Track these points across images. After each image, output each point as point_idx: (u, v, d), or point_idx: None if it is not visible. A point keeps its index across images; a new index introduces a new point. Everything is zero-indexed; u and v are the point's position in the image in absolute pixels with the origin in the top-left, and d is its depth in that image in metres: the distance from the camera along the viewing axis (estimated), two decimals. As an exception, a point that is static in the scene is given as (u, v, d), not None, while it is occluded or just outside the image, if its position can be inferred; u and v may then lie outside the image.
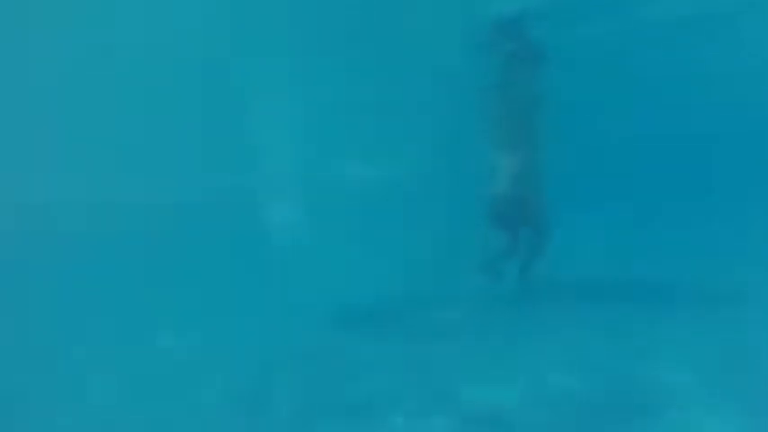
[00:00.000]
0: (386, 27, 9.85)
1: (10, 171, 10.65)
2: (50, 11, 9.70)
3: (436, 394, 3.79)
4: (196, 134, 10.99)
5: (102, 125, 10.91)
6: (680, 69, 11.03)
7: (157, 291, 7.69)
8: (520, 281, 6.51)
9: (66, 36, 10.15)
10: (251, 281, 8.05)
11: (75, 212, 10.10)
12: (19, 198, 10.44)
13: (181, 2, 9.09)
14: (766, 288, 5.57)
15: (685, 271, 6.61)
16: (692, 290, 5.79)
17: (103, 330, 5.98)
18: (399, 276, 7.64)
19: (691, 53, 10.67)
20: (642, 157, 11.98)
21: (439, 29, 9.85)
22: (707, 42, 10.48)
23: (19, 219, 10.07)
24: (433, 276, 7.51)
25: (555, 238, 6.15)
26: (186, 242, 9.66)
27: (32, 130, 10.97)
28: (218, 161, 11.07)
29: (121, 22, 9.85)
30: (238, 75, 11.02)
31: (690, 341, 4.35)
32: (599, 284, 6.35)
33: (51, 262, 8.96)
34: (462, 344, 4.73)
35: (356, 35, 10.15)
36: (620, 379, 3.79)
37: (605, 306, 5.48)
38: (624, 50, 10.62)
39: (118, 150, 10.83)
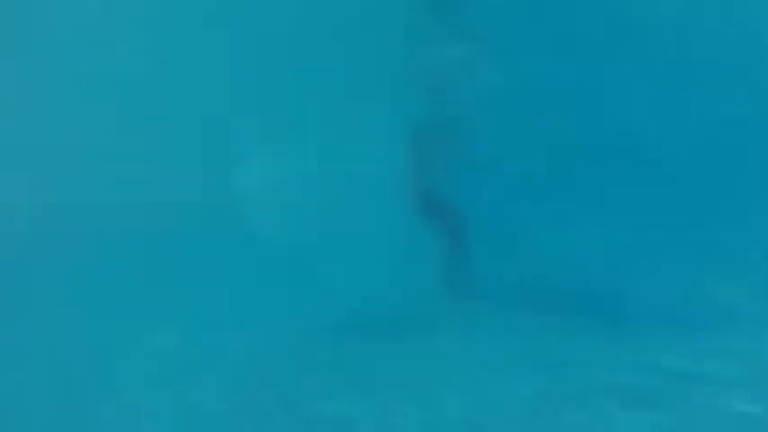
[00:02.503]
0: (379, 25, 9.82)
1: (9, 171, 10.66)
2: (50, 11, 9.72)
3: (436, 394, 3.78)
4: (192, 134, 10.98)
5: (100, 125, 10.91)
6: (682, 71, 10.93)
7: (156, 291, 7.67)
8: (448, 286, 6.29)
9: (64, 36, 10.17)
10: (248, 281, 8.01)
11: (74, 212, 10.10)
12: (19, 198, 10.45)
13: (177, 2, 9.12)
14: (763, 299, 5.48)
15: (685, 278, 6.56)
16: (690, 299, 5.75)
17: (101, 330, 5.96)
18: (396, 277, 7.59)
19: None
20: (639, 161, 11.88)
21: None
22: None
23: (19, 219, 10.07)
24: (434, 276, 7.46)
25: (557, 241, 6.07)
26: (184, 243, 9.65)
27: (31, 130, 10.98)
28: (216, 161, 11.05)
29: (119, 23, 9.88)
30: (234, 73, 11.01)
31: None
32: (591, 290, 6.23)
33: (51, 262, 8.96)
34: (462, 343, 4.72)
35: (351, 32, 10.13)
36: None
37: (595, 312, 5.42)
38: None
39: (116, 151, 10.83)
